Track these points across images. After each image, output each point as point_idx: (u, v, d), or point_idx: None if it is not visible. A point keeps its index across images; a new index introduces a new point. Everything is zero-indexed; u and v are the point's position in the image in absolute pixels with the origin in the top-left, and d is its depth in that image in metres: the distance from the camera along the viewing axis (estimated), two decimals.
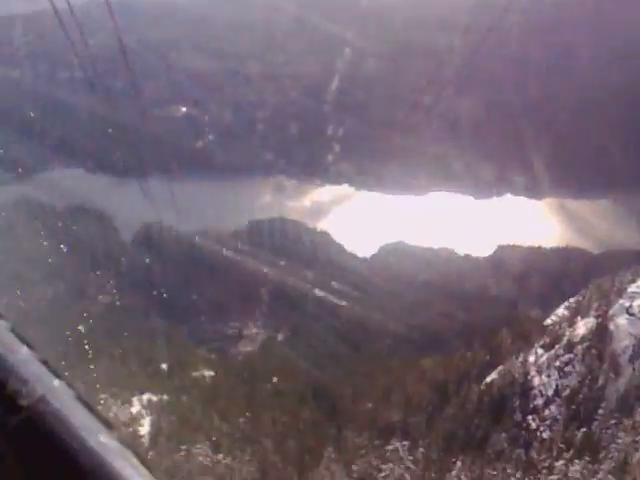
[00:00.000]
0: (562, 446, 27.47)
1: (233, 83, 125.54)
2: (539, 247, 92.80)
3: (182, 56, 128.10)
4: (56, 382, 0.70)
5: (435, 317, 72.70)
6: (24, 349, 0.77)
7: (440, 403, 41.77)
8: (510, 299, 73.80)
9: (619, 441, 23.12)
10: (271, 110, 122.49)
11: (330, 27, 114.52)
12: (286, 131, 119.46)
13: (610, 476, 19.68)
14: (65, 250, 71.56)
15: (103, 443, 0.59)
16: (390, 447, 25.51)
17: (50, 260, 73.07)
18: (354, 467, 30.12)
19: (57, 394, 0.67)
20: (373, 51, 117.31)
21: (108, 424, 0.63)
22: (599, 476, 19.96)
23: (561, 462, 21.64)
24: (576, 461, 21.47)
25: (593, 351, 36.00)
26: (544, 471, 22.69)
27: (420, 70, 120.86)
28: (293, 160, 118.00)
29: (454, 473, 21.68)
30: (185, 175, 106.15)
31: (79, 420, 0.62)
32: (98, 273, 79.87)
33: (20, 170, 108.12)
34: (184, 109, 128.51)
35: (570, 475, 19.99)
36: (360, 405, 48.24)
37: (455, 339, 57.21)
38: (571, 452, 24.53)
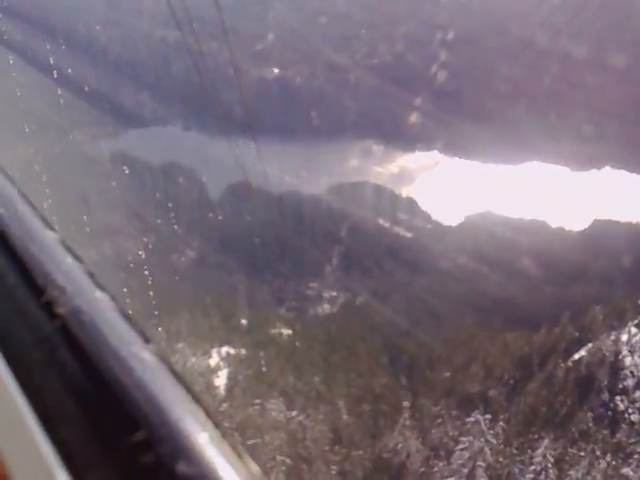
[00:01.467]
0: None
1: (327, 45, 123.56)
2: (638, 224, 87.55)
3: (277, 18, 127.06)
4: (98, 294, 0.70)
5: (523, 290, 70.10)
6: (68, 259, 0.78)
7: (523, 378, 40.10)
8: (604, 275, 70.09)
9: None
10: (364, 73, 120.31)
11: None
12: (377, 96, 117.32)
13: None
14: (157, 205, 73.85)
15: (135, 354, 0.60)
16: (470, 419, 24.49)
17: (143, 214, 75.75)
18: (430, 436, 29.39)
19: (96, 305, 0.67)
20: (477, 13, 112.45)
21: (146, 338, 0.64)
22: None
23: None
24: None
25: None
26: (636, 456, 21.09)
27: (522, 37, 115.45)
28: (383, 125, 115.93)
29: (540, 451, 20.42)
30: (274, 136, 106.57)
31: (115, 331, 0.63)
32: (187, 229, 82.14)
33: (118, 125, 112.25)
34: (276, 71, 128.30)
35: None
36: (438, 374, 47.16)
37: (543, 314, 54.71)
38: None
